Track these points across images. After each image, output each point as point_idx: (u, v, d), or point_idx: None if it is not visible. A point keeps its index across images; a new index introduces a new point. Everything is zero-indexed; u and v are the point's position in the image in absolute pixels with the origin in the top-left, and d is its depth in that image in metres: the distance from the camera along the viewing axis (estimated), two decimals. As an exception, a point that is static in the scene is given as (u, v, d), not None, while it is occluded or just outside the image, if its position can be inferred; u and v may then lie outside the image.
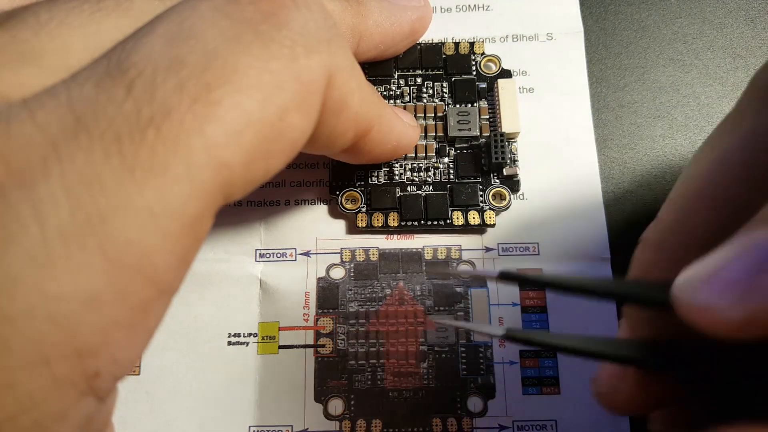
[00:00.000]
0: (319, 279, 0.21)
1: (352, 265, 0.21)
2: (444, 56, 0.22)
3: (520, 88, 0.22)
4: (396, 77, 0.22)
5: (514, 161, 0.21)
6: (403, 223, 0.21)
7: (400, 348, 0.20)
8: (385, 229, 0.21)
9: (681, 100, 0.22)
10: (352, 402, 0.19)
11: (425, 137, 0.21)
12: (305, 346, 0.20)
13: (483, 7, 0.24)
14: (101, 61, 0.11)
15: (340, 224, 0.21)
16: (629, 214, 0.21)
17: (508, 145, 0.21)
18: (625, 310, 0.14)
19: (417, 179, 0.21)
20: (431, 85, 0.22)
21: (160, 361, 0.20)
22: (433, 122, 0.22)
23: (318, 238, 0.21)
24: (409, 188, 0.21)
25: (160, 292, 0.11)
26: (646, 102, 0.23)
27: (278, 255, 0.21)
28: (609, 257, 0.20)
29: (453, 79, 0.22)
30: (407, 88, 0.22)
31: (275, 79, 0.12)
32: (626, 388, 0.13)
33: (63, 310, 0.09)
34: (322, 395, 0.19)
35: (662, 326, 0.12)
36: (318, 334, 0.20)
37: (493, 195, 0.21)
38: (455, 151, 0.21)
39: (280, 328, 0.20)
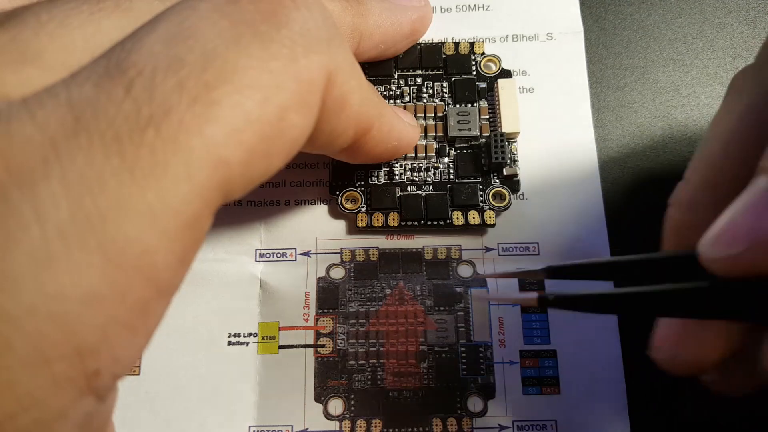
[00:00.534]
0: (319, 279, 0.21)
1: (352, 265, 0.21)
2: (444, 56, 0.22)
3: (520, 88, 0.22)
4: (396, 77, 0.22)
5: (514, 161, 0.21)
6: (403, 223, 0.21)
7: (400, 348, 0.20)
8: (385, 229, 0.21)
9: (681, 100, 0.22)
10: (352, 402, 0.19)
11: (425, 137, 0.21)
12: (305, 346, 0.20)
13: (483, 7, 0.24)
14: (101, 61, 0.11)
15: (340, 224, 0.21)
16: (629, 213, 0.21)
17: (508, 145, 0.21)
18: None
19: (417, 179, 0.21)
20: (431, 85, 0.22)
21: (160, 361, 0.20)
22: (433, 122, 0.22)
23: (318, 238, 0.21)
24: (409, 188, 0.21)
25: (160, 291, 0.11)
26: (646, 102, 0.23)
27: (278, 255, 0.21)
28: (609, 257, 0.20)
29: (453, 79, 0.22)
30: (407, 88, 0.22)
31: (275, 78, 0.12)
32: (686, 351, 0.14)
33: (63, 310, 0.09)
34: (322, 395, 0.19)
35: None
36: (318, 334, 0.20)
37: (493, 195, 0.21)
38: (455, 151, 0.21)
39: (280, 328, 0.20)
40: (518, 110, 0.21)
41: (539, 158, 0.22)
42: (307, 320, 0.20)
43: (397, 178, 0.21)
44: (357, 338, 0.20)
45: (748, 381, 0.14)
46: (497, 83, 0.22)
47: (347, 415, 0.19)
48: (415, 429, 0.19)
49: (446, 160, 0.21)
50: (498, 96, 0.21)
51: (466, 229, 0.21)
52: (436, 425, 0.19)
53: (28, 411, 0.09)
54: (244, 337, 0.20)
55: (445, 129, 0.21)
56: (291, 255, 0.21)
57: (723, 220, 0.11)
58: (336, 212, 0.21)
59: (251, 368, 0.20)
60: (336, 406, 0.19)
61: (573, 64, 0.23)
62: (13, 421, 0.09)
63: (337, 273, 0.21)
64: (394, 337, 0.20)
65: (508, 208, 0.21)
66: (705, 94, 0.23)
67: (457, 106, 0.22)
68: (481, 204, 0.21)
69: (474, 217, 0.21)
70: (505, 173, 0.21)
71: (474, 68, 0.22)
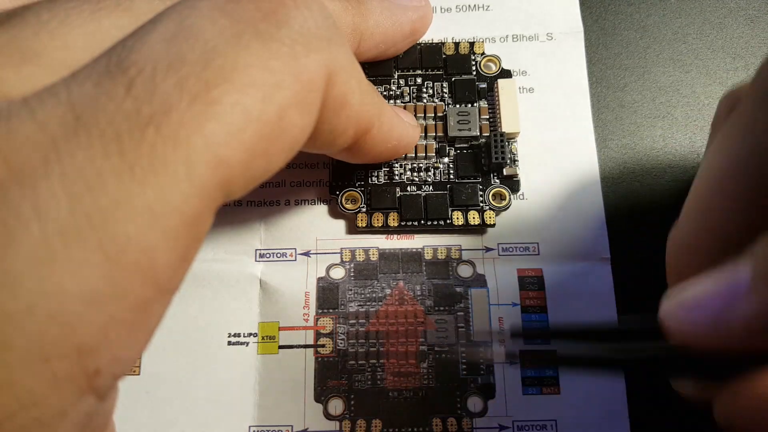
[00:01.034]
0: (319, 279, 0.21)
1: (352, 265, 0.21)
2: (444, 56, 0.22)
3: (520, 88, 0.22)
4: (396, 77, 0.22)
5: (514, 161, 0.21)
6: (403, 223, 0.21)
7: (400, 348, 0.20)
8: (385, 229, 0.21)
9: (681, 100, 0.23)
10: (352, 402, 0.19)
11: (425, 137, 0.21)
12: (305, 346, 0.20)
13: (483, 7, 0.24)
14: (101, 60, 0.11)
15: (340, 224, 0.21)
16: (629, 214, 0.21)
17: (508, 145, 0.21)
18: None
19: (417, 179, 0.21)
20: (431, 85, 0.22)
21: (160, 361, 0.20)
22: (433, 122, 0.22)
23: (318, 238, 0.21)
24: (409, 188, 0.21)
25: (160, 290, 0.11)
26: (646, 102, 0.23)
27: (278, 255, 0.21)
28: (609, 257, 0.20)
29: (453, 79, 0.22)
30: (407, 88, 0.22)
31: (275, 77, 0.12)
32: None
33: (63, 308, 0.09)
34: (322, 395, 0.19)
35: None
36: (318, 334, 0.20)
37: (493, 195, 0.21)
38: (455, 151, 0.21)
39: (280, 328, 0.20)
40: (518, 110, 0.21)
41: (539, 158, 0.22)
42: (307, 320, 0.20)
43: (397, 178, 0.21)
44: (357, 338, 0.20)
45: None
46: (497, 83, 0.21)
47: (347, 415, 0.19)
48: (415, 429, 0.19)
49: (446, 160, 0.21)
50: (498, 96, 0.21)
51: (466, 229, 0.21)
52: (436, 425, 0.19)
53: (28, 410, 0.09)
54: (244, 337, 0.20)
55: (445, 129, 0.21)
56: (291, 255, 0.21)
57: (690, 292, 0.11)
58: (336, 212, 0.21)
59: (251, 368, 0.20)
60: (336, 406, 0.19)
61: (573, 64, 0.23)
62: (13, 419, 0.09)
63: (337, 273, 0.21)
64: (394, 337, 0.20)
65: (508, 208, 0.21)
66: (705, 94, 0.23)
67: (457, 106, 0.22)
68: (481, 204, 0.21)
69: (474, 217, 0.21)
70: (505, 173, 0.21)
71: (474, 68, 0.22)
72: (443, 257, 0.21)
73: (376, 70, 0.22)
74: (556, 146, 0.22)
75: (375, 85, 0.22)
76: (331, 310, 0.20)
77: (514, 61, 0.23)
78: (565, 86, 0.23)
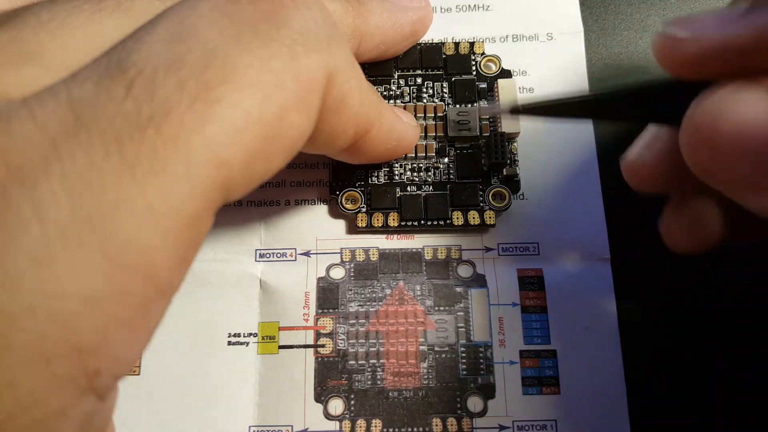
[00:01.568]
0: (319, 279, 0.21)
1: (352, 265, 0.21)
2: (444, 56, 0.22)
3: (520, 88, 0.22)
4: (396, 77, 0.22)
5: (514, 161, 0.21)
6: (403, 223, 0.21)
7: (400, 348, 0.20)
8: (385, 229, 0.21)
9: (681, 100, 0.22)
10: (352, 402, 0.19)
11: (425, 137, 0.21)
12: (305, 346, 0.20)
13: (483, 7, 0.24)
14: (101, 60, 0.11)
15: (340, 224, 0.21)
16: (630, 213, 0.21)
17: (508, 145, 0.21)
18: None
19: (417, 179, 0.21)
20: (431, 85, 0.22)
21: (160, 361, 0.20)
22: (433, 122, 0.22)
23: (318, 238, 0.21)
24: (409, 188, 0.21)
25: (160, 290, 0.11)
26: (646, 102, 0.23)
27: (278, 255, 0.21)
28: (609, 257, 0.21)
29: (453, 79, 0.22)
30: (407, 88, 0.22)
31: (275, 78, 0.12)
32: (651, 156, 0.16)
33: (63, 309, 0.09)
34: (322, 395, 0.19)
35: None
36: (318, 334, 0.20)
37: (493, 195, 0.21)
38: (455, 151, 0.21)
39: (280, 328, 0.20)
40: (518, 110, 0.21)
41: (539, 158, 0.22)
42: (307, 320, 0.20)
43: (397, 178, 0.21)
44: (357, 338, 0.20)
45: (685, 237, 0.16)
46: (497, 83, 0.21)
47: (347, 415, 0.19)
48: (415, 429, 0.19)
49: (446, 160, 0.21)
50: (498, 96, 0.21)
51: (466, 229, 0.21)
52: (436, 425, 0.19)
53: (29, 410, 0.09)
54: (244, 337, 0.20)
55: (445, 129, 0.21)
56: (291, 255, 0.21)
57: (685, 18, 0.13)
58: (336, 212, 0.21)
59: (251, 368, 0.20)
60: (336, 406, 0.19)
61: (573, 64, 0.23)
62: (14, 420, 0.09)
63: (337, 273, 0.21)
64: (394, 337, 0.20)
65: (508, 208, 0.21)
66: (705, 94, 0.22)
67: (457, 106, 0.22)
68: (481, 204, 0.21)
69: (474, 217, 0.21)
70: (505, 173, 0.21)
71: (474, 68, 0.22)
72: (443, 257, 0.21)
73: (376, 70, 0.22)
74: (556, 146, 0.22)
75: (375, 85, 0.22)
76: (331, 310, 0.20)
77: (514, 61, 0.23)
78: (565, 86, 0.23)
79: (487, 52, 0.22)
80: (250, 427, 0.19)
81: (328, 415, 0.19)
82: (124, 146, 0.10)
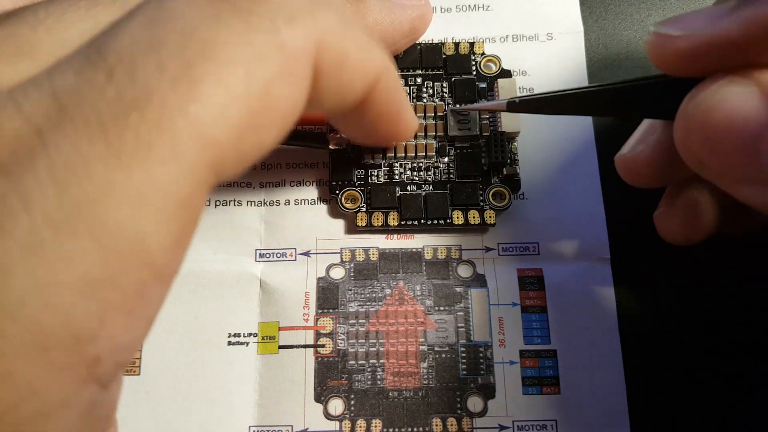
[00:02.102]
0: (319, 279, 0.21)
1: (351, 265, 0.21)
2: (444, 56, 0.22)
3: (520, 88, 0.22)
4: (396, 77, 0.22)
5: (514, 161, 0.21)
6: (403, 222, 0.21)
7: (400, 348, 0.20)
8: (385, 229, 0.21)
9: (681, 100, 0.22)
10: (352, 402, 0.19)
11: (425, 137, 0.21)
12: (305, 346, 0.20)
13: (483, 7, 0.24)
14: (83, 50, 0.11)
15: (340, 224, 0.21)
16: (630, 214, 0.21)
17: (508, 144, 0.21)
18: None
19: (417, 178, 0.21)
20: (431, 84, 0.22)
21: (160, 361, 0.20)
22: (433, 122, 0.21)
23: (318, 238, 0.21)
24: (409, 187, 0.21)
25: (157, 274, 0.10)
26: (646, 102, 0.23)
27: (278, 255, 0.21)
28: (609, 257, 0.20)
29: (453, 79, 0.22)
30: (407, 88, 0.22)
31: (256, 51, 0.11)
32: (645, 149, 0.16)
33: (57, 297, 0.09)
34: (322, 395, 0.19)
35: None
36: (318, 334, 0.20)
37: (493, 194, 0.21)
38: (455, 150, 0.21)
39: (280, 328, 0.20)
40: (518, 110, 0.21)
41: (539, 158, 0.22)
42: (307, 320, 0.20)
43: (397, 177, 0.21)
44: (357, 338, 0.20)
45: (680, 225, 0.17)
46: (497, 83, 0.21)
47: (347, 415, 0.19)
48: (415, 429, 0.19)
49: (446, 159, 0.21)
50: (498, 96, 0.21)
51: (466, 228, 0.21)
52: (436, 425, 0.19)
53: (29, 400, 0.09)
54: (244, 337, 0.20)
55: (445, 129, 0.21)
56: (291, 255, 0.21)
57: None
58: (336, 212, 0.21)
59: (251, 368, 0.20)
60: (336, 406, 0.19)
61: (573, 64, 0.23)
62: (14, 411, 0.09)
63: (337, 273, 0.21)
64: (394, 337, 0.20)
65: (508, 207, 0.21)
66: (705, 93, 0.22)
67: (457, 105, 0.22)
68: (481, 203, 0.21)
69: (474, 217, 0.21)
70: (505, 173, 0.21)
71: (474, 68, 0.22)
72: (443, 257, 0.21)
73: (376, 70, 0.22)
74: (556, 146, 0.22)
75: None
76: (331, 310, 0.20)
77: (514, 61, 0.23)
78: (565, 86, 0.22)
79: (487, 52, 0.22)
80: (250, 427, 0.19)
81: (328, 415, 0.19)
82: (109, 132, 0.10)
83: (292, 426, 0.19)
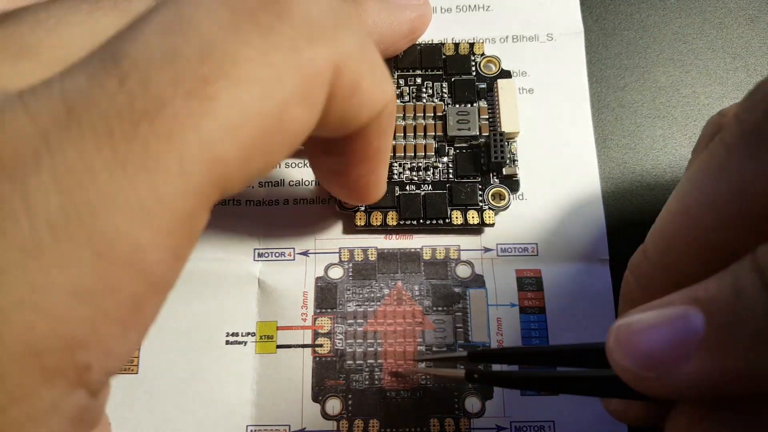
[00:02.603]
0: (318, 278, 0.21)
1: (350, 265, 0.21)
2: (444, 56, 0.22)
3: (519, 89, 0.22)
4: (396, 77, 0.22)
5: (513, 161, 0.21)
6: (401, 222, 0.21)
7: (398, 348, 0.20)
8: (384, 228, 0.21)
9: (681, 100, 0.22)
10: (350, 402, 0.19)
11: (424, 136, 0.21)
12: (303, 346, 0.20)
13: (483, 7, 0.24)
14: (96, 53, 0.11)
15: (339, 223, 0.21)
16: (629, 215, 0.21)
17: (508, 145, 0.21)
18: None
19: (416, 178, 0.21)
20: (431, 85, 0.22)
21: (158, 359, 0.20)
22: (433, 122, 0.21)
23: (316, 238, 0.21)
24: (408, 187, 0.21)
25: (153, 287, 0.10)
26: (646, 102, 0.22)
27: (277, 254, 0.21)
28: (608, 258, 0.20)
29: (453, 79, 0.22)
30: (407, 88, 0.22)
31: (275, 72, 0.11)
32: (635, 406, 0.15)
33: (52, 303, 0.09)
34: (319, 395, 0.19)
35: None
36: (316, 334, 0.20)
37: (492, 195, 0.21)
38: (455, 150, 0.21)
39: (278, 328, 0.20)
40: (518, 110, 0.21)
41: (539, 158, 0.22)
42: (305, 320, 0.20)
43: (396, 177, 0.21)
44: (355, 338, 0.20)
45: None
46: (497, 83, 0.21)
47: (345, 415, 0.19)
48: (413, 429, 0.19)
49: (445, 159, 0.21)
50: (497, 96, 0.21)
51: (465, 228, 0.21)
52: (434, 425, 0.19)
53: (19, 404, 0.09)
54: (242, 336, 0.20)
55: (444, 129, 0.21)
56: (289, 254, 0.21)
57: (637, 322, 0.11)
58: (334, 211, 0.21)
59: (249, 367, 0.20)
60: (333, 405, 0.19)
61: (573, 64, 0.23)
62: (4, 414, 0.09)
63: (336, 273, 0.21)
64: (392, 337, 0.20)
65: (508, 207, 0.21)
66: (705, 94, 0.22)
67: (457, 106, 0.22)
68: (481, 204, 0.21)
69: (473, 217, 0.21)
70: (504, 173, 0.21)
71: (474, 69, 0.22)
72: (442, 257, 0.21)
73: (376, 69, 0.22)
74: (556, 146, 0.22)
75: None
76: (329, 310, 0.20)
77: (514, 61, 0.23)
78: (565, 86, 0.22)
79: (486, 53, 0.22)
80: (247, 426, 0.19)
81: (325, 415, 0.19)
82: (116, 140, 0.10)
83: (289, 425, 0.19)
